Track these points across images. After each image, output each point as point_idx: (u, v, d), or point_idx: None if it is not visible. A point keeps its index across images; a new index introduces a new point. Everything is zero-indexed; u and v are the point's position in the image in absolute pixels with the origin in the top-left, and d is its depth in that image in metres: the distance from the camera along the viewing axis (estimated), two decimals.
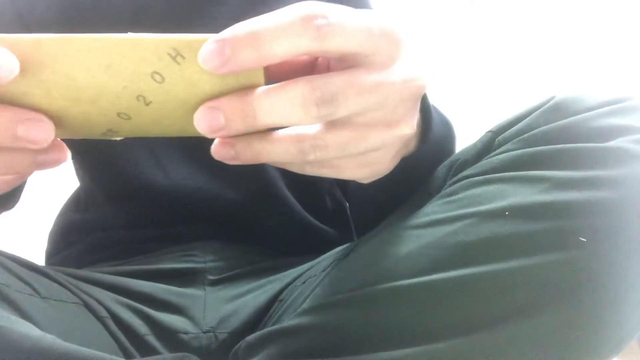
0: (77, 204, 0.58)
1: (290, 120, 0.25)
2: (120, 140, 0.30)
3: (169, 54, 0.24)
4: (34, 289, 0.36)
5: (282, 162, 0.28)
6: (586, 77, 1.37)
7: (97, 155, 0.53)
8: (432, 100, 0.35)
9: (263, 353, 0.34)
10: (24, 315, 0.33)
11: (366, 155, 0.28)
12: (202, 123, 0.25)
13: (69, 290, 0.40)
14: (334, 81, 0.24)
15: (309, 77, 0.24)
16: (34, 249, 0.66)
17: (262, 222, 0.52)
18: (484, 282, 0.27)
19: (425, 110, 0.34)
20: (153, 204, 0.52)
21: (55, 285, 0.39)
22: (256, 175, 0.51)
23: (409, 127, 0.29)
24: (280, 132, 0.27)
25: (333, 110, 0.24)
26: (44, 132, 0.25)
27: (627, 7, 1.39)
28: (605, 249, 0.26)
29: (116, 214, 0.53)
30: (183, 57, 0.24)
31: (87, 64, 0.24)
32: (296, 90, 0.24)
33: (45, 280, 0.39)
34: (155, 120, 0.27)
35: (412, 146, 0.35)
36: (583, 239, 0.26)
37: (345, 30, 0.24)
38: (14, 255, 0.39)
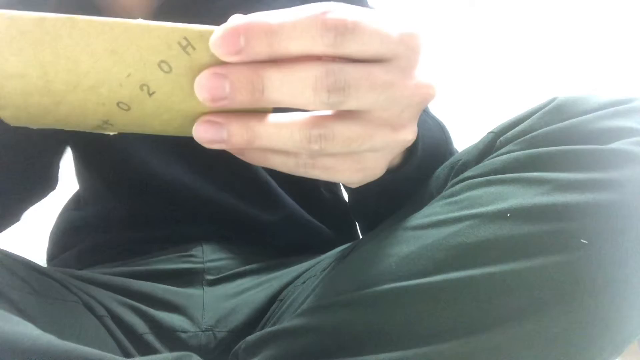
0: (77, 203, 0.58)
1: (297, 101, 0.24)
2: (113, 135, 0.29)
3: (179, 44, 0.23)
4: (33, 288, 0.36)
5: (276, 152, 0.27)
6: (587, 78, 1.37)
7: (96, 151, 0.53)
8: (434, 102, 0.35)
9: (263, 353, 0.34)
10: (22, 313, 0.33)
11: (364, 158, 0.28)
12: (203, 90, 0.24)
13: (68, 289, 0.40)
14: (349, 70, 0.24)
15: (324, 61, 0.24)
16: (35, 251, 0.66)
17: (259, 221, 0.52)
18: (485, 284, 0.27)
19: None
20: (151, 206, 0.51)
21: (54, 284, 0.39)
22: (251, 174, 0.51)
23: (412, 132, 0.28)
24: (285, 115, 0.26)
25: (343, 100, 0.24)
26: None
27: (629, 9, 1.39)
28: (606, 250, 0.26)
29: (115, 216, 0.53)
30: (194, 48, 0.23)
31: (92, 48, 0.23)
32: (310, 72, 0.23)
33: (44, 279, 0.39)
34: (155, 113, 0.26)
35: (400, 157, 0.35)
36: (584, 241, 0.26)
37: (364, 37, 0.23)
38: (13, 254, 0.39)
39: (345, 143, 0.26)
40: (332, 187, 0.60)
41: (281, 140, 0.25)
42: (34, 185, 0.50)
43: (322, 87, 0.23)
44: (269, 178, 0.52)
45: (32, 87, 0.24)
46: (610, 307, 0.27)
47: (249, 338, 0.36)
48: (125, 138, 0.49)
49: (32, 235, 0.67)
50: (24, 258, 0.39)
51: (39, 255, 0.59)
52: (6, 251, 0.38)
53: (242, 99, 0.24)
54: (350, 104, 0.24)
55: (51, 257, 0.57)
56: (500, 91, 1.42)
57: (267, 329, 0.35)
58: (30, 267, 0.39)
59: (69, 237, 0.55)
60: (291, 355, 0.32)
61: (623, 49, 1.37)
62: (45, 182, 0.52)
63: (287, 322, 0.34)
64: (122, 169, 0.52)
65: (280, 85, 0.24)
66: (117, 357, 0.28)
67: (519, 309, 0.27)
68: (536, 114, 0.32)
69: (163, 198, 0.51)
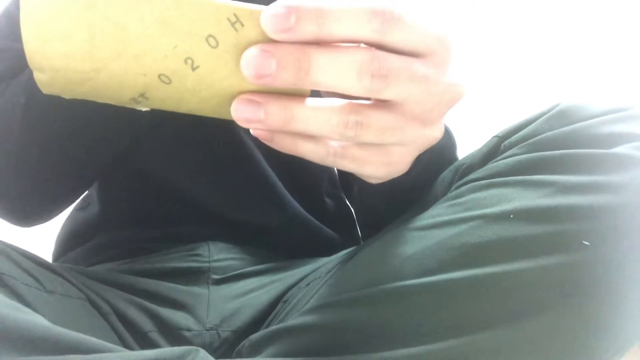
0: (83, 203, 0.58)
1: (339, 84, 0.25)
2: (145, 111, 0.29)
3: (229, 19, 0.24)
4: (40, 283, 0.37)
5: (307, 139, 0.28)
6: (591, 81, 1.37)
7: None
8: None
9: (267, 351, 0.34)
10: (29, 307, 0.33)
11: (391, 151, 0.29)
12: (249, 65, 0.24)
13: (74, 285, 0.40)
14: (392, 59, 0.25)
15: (370, 47, 0.25)
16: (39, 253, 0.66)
17: (265, 223, 0.52)
18: (488, 284, 0.28)
19: None
20: (157, 205, 0.52)
21: (61, 280, 0.40)
22: (258, 176, 0.52)
23: (439, 130, 0.30)
24: (323, 99, 0.26)
25: (384, 87, 0.25)
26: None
27: (634, 14, 1.38)
28: (608, 252, 0.27)
29: (121, 214, 0.53)
30: (242, 25, 0.24)
31: (142, 16, 0.23)
32: (356, 56, 0.24)
33: (51, 275, 0.39)
34: (195, 89, 0.26)
35: None
36: (586, 243, 0.27)
37: (407, 28, 0.24)
38: (22, 249, 0.39)
39: (379, 132, 0.27)
40: (336, 191, 0.61)
41: (318, 123, 0.26)
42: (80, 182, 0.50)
43: (366, 71, 0.24)
44: (276, 181, 0.53)
45: (76, 51, 0.24)
46: (611, 309, 0.27)
47: (253, 336, 0.36)
48: (130, 136, 0.49)
49: (38, 237, 0.68)
50: (31, 253, 0.40)
51: (44, 257, 0.59)
52: (14, 246, 0.39)
53: (287, 78, 0.24)
54: (389, 93, 0.25)
55: (57, 257, 0.57)
56: (502, 94, 1.41)
57: (271, 327, 0.35)
58: (37, 262, 0.39)
59: (75, 236, 0.56)
60: (295, 352, 0.32)
61: (627, 54, 1.37)
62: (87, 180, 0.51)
63: (291, 321, 0.34)
64: (129, 168, 0.52)
65: (326, 66, 0.24)
66: (126, 349, 0.28)
67: (522, 309, 0.27)
68: (540, 119, 0.33)
69: (169, 197, 0.51)
